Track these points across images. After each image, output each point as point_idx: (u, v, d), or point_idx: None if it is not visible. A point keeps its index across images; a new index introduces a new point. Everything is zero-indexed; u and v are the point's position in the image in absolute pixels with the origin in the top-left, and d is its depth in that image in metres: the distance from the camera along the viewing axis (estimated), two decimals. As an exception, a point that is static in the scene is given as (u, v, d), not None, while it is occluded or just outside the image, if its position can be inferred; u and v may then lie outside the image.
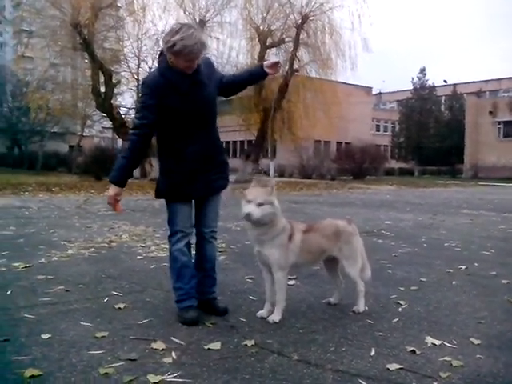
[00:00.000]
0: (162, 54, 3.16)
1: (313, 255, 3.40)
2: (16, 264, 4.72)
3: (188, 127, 3.15)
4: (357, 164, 30.44)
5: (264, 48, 22.47)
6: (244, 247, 5.83)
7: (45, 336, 2.86)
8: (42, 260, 4.98)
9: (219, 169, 3.35)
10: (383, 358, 2.64)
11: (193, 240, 3.39)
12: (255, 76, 3.46)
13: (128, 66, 24.93)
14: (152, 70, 16.85)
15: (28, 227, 7.29)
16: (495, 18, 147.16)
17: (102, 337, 2.87)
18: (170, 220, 3.30)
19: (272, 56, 23.50)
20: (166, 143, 3.24)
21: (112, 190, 3.13)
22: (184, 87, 3.08)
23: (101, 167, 22.78)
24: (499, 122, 40.70)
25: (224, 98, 3.70)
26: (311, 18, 22.41)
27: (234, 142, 39.36)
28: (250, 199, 3.01)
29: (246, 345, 2.79)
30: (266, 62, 3.33)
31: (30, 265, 4.72)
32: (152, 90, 3.09)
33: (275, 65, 3.31)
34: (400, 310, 3.55)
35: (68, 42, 20.73)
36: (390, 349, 2.78)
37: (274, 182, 3.19)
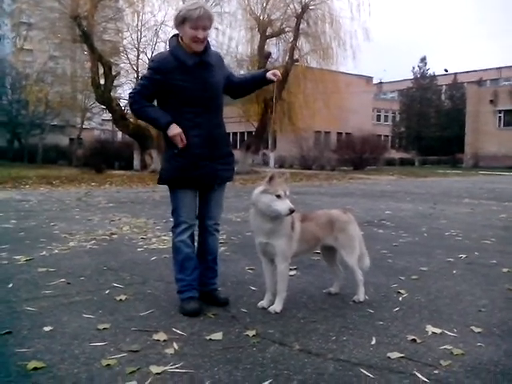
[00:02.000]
0: (173, 36, 3.28)
1: (309, 244, 3.42)
2: (17, 257, 4.73)
3: (192, 109, 3.17)
4: (357, 154, 30.37)
5: (264, 38, 22.33)
6: (244, 238, 5.84)
7: (47, 328, 2.87)
8: (43, 253, 4.99)
9: (226, 159, 3.37)
10: (384, 347, 2.65)
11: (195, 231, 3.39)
12: (257, 80, 3.48)
13: (127, 57, 24.86)
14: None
15: (29, 220, 7.30)
16: (496, 8, 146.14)
17: (104, 329, 2.88)
18: (175, 210, 3.30)
19: (272, 46, 23.45)
20: None
21: (174, 128, 3.13)
22: (190, 64, 3.13)
23: (101, 160, 22.80)
24: (500, 111, 40.61)
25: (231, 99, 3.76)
26: (311, 8, 22.26)
27: (235, 134, 39.24)
28: (280, 194, 3.02)
29: (248, 335, 2.80)
30: (269, 72, 3.36)
31: (31, 258, 4.73)
32: (159, 66, 3.17)
33: (275, 74, 3.36)
34: (400, 299, 3.56)
35: (67, 34, 20.62)
36: (390, 337, 2.80)
37: (288, 174, 3.20)
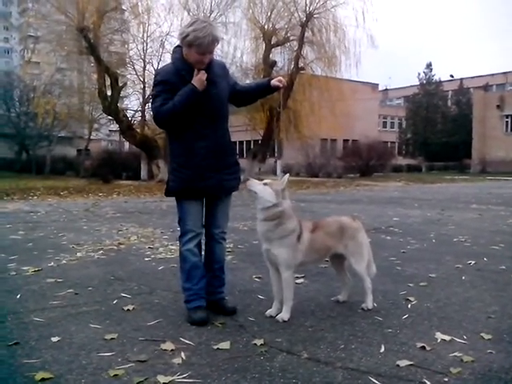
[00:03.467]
0: (177, 46, 3.24)
1: (319, 253, 3.42)
2: (25, 268, 4.75)
3: (196, 122, 3.18)
4: (364, 161, 30.35)
5: (269, 47, 22.42)
6: (252, 247, 5.83)
7: (55, 339, 2.87)
8: (51, 263, 5.01)
9: (232, 169, 3.38)
10: (393, 355, 2.63)
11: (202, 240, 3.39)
12: (261, 88, 3.48)
13: (134, 68, 25.00)
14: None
15: (37, 231, 7.33)
16: (498, 7, 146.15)
17: (112, 339, 2.88)
18: (181, 219, 3.30)
19: (277, 55, 23.54)
20: (176, 140, 3.27)
21: (195, 80, 3.08)
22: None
23: (108, 170, 22.91)
24: (507, 116, 40.42)
25: (236, 107, 3.77)
26: (315, 16, 22.32)
27: (241, 142, 39.27)
28: (266, 182, 3.16)
29: (255, 344, 2.79)
30: (273, 80, 3.38)
31: (40, 268, 4.75)
32: (166, 79, 3.16)
33: (280, 81, 3.38)
34: (409, 306, 3.53)
35: (74, 47, 20.81)
36: (399, 345, 2.77)
37: (287, 177, 3.20)
